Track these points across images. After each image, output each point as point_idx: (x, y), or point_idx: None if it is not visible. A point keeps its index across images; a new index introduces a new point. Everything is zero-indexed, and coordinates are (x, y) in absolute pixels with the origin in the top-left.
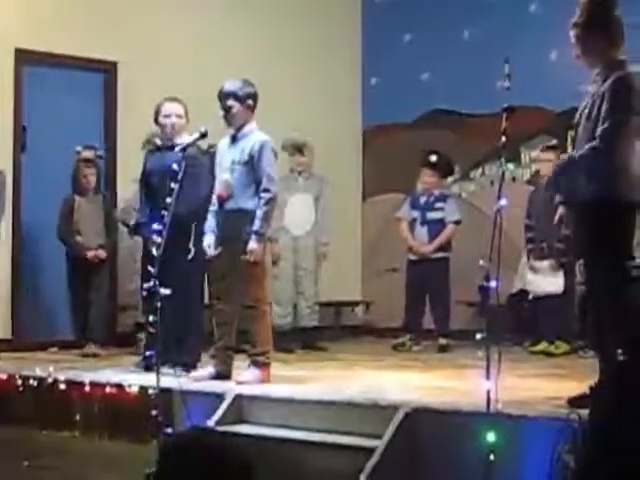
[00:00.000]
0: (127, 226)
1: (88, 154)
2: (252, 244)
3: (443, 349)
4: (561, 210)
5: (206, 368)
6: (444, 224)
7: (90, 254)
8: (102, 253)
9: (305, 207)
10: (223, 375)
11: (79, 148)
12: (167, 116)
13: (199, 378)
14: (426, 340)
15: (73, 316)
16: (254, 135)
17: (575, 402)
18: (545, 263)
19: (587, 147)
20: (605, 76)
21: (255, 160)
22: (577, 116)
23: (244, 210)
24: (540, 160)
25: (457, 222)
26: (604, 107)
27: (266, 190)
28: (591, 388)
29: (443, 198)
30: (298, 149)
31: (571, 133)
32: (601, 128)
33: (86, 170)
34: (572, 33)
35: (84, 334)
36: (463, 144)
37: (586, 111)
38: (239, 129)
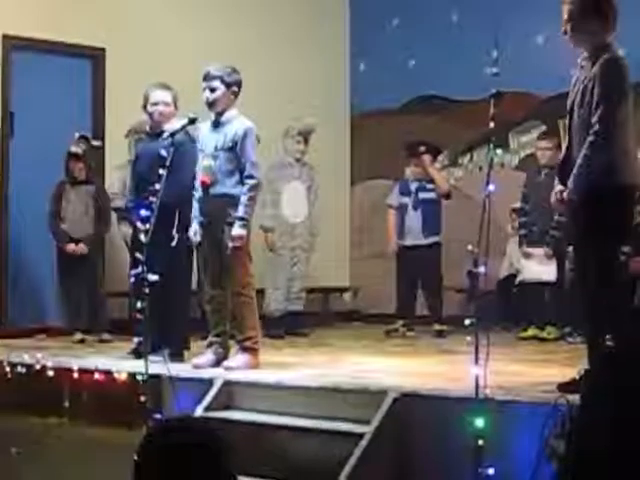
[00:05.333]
0: (115, 210)
1: (76, 149)
2: (236, 230)
3: (440, 334)
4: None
5: (206, 355)
6: (437, 204)
7: (69, 247)
8: (82, 248)
9: (300, 195)
10: (223, 361)
11: (77, 134)
12: (154, 104)
13: (200, 365)
14: (419, 326)
15: (61, 305)
16: (237, 121)
17: (565, 388)
18: (539, 250)
19: (585, 145)
20: (594, 59)
21: (239, 146)
22: (569, 102)
23: (229, 195)
24: (538, 148)
25: (448, 195)
26: (596, 92)
27: (250, 177)
28: (580, 373)
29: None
30: (306, 137)
31: (564, 121)
32: (597, 115)
33: (73, 165)
34: (566, 8)
35: (74, 322)
36: (451, 130)
37: (578, 97)
38: (221, 114)
